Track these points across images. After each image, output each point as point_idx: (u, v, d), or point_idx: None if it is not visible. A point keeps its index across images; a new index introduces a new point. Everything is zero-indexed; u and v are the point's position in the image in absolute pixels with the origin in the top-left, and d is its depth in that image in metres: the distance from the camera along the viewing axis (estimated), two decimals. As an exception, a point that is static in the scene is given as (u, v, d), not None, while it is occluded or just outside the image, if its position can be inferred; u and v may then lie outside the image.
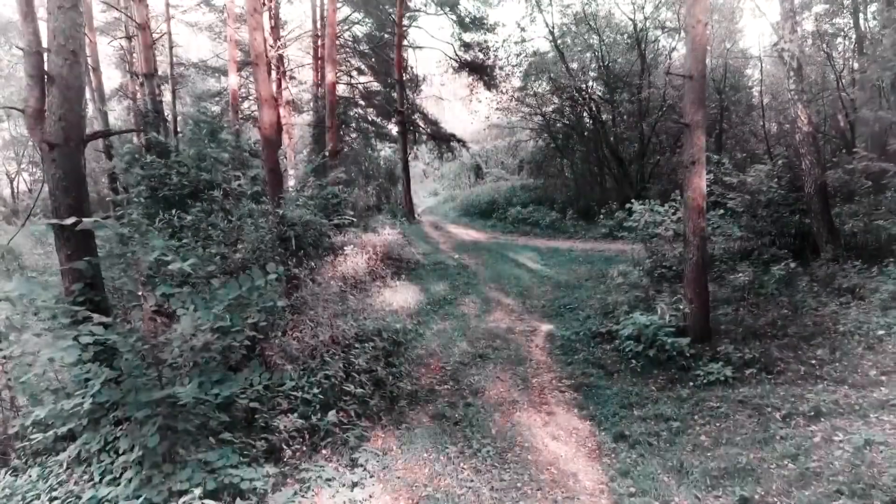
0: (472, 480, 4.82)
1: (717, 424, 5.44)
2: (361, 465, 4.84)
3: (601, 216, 16.39)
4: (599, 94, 19.22)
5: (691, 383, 6.38)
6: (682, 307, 7.05)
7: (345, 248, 11.18)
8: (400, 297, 9.81)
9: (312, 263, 8.36)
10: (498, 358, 7.56)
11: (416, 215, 20.68)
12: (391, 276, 11.15)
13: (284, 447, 4.76)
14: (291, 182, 15.65)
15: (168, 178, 8.28)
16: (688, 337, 6.85)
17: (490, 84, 21.38)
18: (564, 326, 8.60)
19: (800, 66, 10.22)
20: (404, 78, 20.50)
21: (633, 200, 10.65)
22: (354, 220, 11.58)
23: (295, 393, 5.20)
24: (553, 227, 16.96)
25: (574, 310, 9.33)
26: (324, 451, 4.90)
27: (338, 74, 24.10)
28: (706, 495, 4.44)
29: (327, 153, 12.85)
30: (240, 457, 4.45)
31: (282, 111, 18.05)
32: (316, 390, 5.28)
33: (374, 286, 10.12)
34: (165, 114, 13.37)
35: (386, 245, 12.19)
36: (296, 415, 5.04)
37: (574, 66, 18.82)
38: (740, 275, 8.65)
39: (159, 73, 18.20)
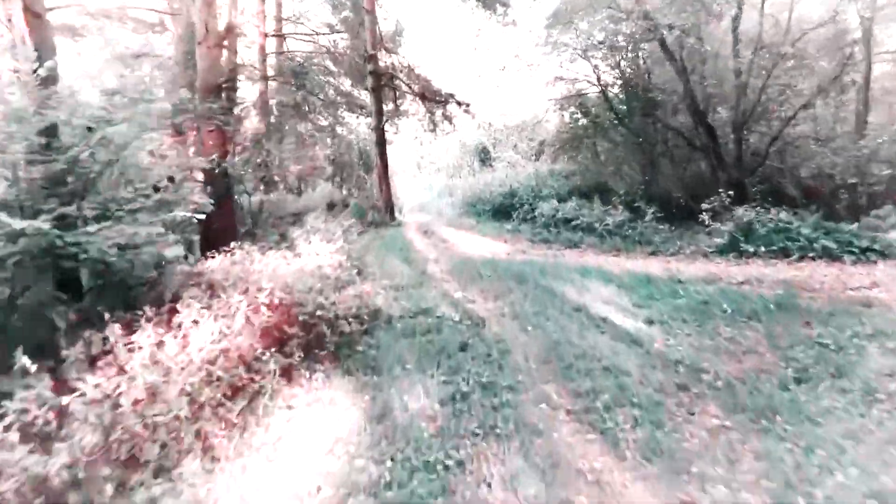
0: None
1: None
2: None
3: (704, 216, 9.70)
4: (678, 26, 12.41)
5: None
6: None
7: (189, 283, 4.57)
8: (288, 452, 3.08)
9: None
10: None
11: (396, 213, 13.97)
12: (298, 364, 4.44)
13: None
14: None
15: None
16: None
17: (505, 21, 14.68)
18: None
19: None
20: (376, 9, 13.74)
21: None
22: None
23: None
24: (620, 234, 10.15)
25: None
26: None
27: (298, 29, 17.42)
28: None
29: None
30: None
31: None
32: None
33: (234, 404, 3.42)
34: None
35: (299, 281, 5.46)
36: None
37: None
38: None
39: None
